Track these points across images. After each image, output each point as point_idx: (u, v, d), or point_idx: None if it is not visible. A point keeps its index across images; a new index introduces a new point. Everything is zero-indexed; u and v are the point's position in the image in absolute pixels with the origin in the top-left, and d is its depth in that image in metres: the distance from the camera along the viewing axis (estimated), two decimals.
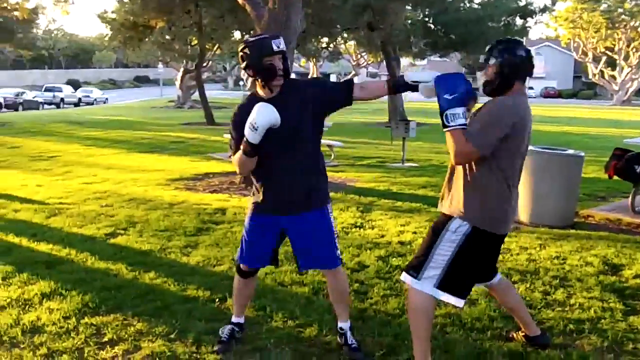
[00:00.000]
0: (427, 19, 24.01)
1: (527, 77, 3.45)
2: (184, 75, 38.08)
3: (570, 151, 7.68)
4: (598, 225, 7.46)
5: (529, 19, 25.54)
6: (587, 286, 5.05)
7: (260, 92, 3.61)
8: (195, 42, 23.96)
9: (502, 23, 24.42)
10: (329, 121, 24.23)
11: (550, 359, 3.74)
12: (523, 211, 7.44)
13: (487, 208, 3.33)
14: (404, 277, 3.48)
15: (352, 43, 38.17)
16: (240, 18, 14.96)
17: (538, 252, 6.05)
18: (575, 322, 4.30)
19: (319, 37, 19.94)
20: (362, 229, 6.86)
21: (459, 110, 3.20)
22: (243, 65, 3.57)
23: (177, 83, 41.33)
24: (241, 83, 65.46)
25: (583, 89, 75.46)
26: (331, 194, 8.66)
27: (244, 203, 8.22)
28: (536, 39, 79.33)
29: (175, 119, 28.69)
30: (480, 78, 3.46)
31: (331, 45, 27.42)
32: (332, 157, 13.16)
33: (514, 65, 3.36)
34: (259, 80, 3.53)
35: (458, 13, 22.53)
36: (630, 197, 7.93)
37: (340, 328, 3.91)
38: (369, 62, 49.81)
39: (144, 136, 19.64)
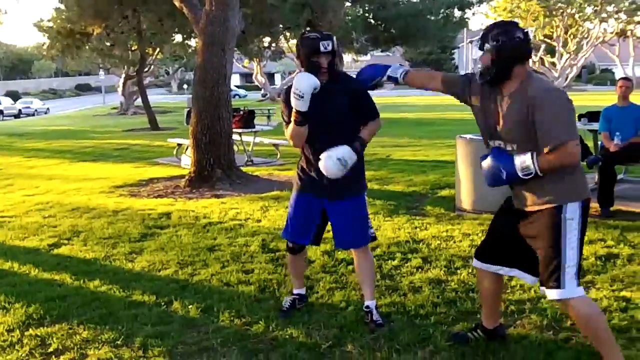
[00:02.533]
0: (367, 15, 24.19)
1: (527, 60, 3.27)
2: (126, 82, 37.51)
3: None
4: None
5: (467, 10, 26.04)
6: None
7: None
8: (136, 47, 23.62)
9: (441, 16, 24.76)
10: (274, 120, 24.27)
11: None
12: (466, 199, 7.58)
13: (577, 177, 3.23)
14: (549, 293, 3.20)
15: (295, 42, 38.21)
16: (179, 21, 14.84)
17: (480, 237, 6.13)
18: (516, 303, 4.42)
19: (261, 36, 19.89)
20: None
21: (518, 164, 3.14)
22: (296, 56, 4.08)
23: (119, 89, 40.70)
24: (185, 87, 64.87)
25: None
26: (277, 193, 8.76)
27: (189, 206, 8.18)
28: (477, 29, 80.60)
29: (119, 125, 28.25)
30: (477, 67, 3.37)
31: (273, 44, 27.41)
32: (278, 156, 13.16)
33: (511, 49, 3.16)
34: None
35: (397, 8, 22.78)
36: None
37: (367, 306, 4.15)
38: None
39: (86, 145, 19.30)
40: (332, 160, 3.77)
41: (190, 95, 10.06)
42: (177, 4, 10.60)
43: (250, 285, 4.97)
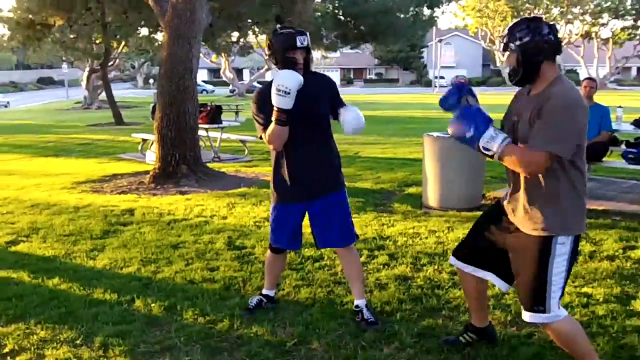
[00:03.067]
0: (336, 11, 24.13)
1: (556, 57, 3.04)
2: (90, 75, 36.93)
3: None
4: None
5: (436, 9, 26.10)
6: None
7: None
8: (100, 40, 23.22)
9: (410, 14, 24.80)
10: (242, 116, 24.11)
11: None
12: (432, 196, 7.59)
13: (580, 209, 3.06)
14: (531, 318, 3.10)
15: (264, 37, 37.98)
16: (145, 14, 14.60)
17: (446, 234, 6.19)
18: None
19: (229, 31, 19.70)
20: None
21: (488, 133, 2.94)
22: (268, 53, 3.88)
23: (83, 83, 40.08)
24: (151, 81, 64.15)
25: (492, 76, 77.76)
26: (243, 189, 8.67)
27: (153, 203, 8.05)
28: (445, 28, 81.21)
29: (82, 120, 27.84)
30: (504, 68, 3.22)
31: (242, 39, 27.21)
32: (246, 152, 13.06)
33: (539, 47, 2.94)
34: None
35: (367, 4, 22.73)
36: None
37: (357, 306, 4.09)
38: None
39: (48, 140, 18.94)
40: (355, 113, 3.84)
41: (157, 90, 9.91)
42: None
43: (215, 283, 4.89)
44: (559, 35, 3.03)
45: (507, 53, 3.02)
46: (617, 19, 57.11)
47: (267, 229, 6.46)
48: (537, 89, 3.03)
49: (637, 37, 57.86)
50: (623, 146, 8.36)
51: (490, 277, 3.43)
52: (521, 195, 3.09)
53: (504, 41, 3.01)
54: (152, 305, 4.43)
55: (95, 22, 18.12)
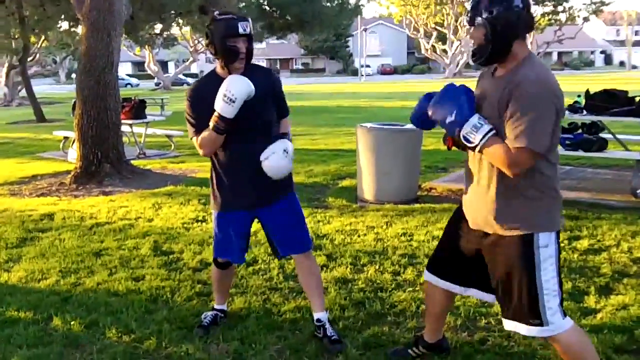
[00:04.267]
0: (261, 1, 23.67)
1: (527, 35, 2.74)
2: (9, 71, 35.25)
3: (409, 126, 7.69)
4: (441, 197, 7.55)
5: None
6: None
7: (220, 71, 3.48)
8: (18, 35, 22.07)
9: (336, 3, 24.57)
10: (168, 109, 23.45)
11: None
12: (368, 189, 7.37)
13: (557, 204, 2.80)
14: (529, 331, 2.76)
15: (188, 29, 37.16)
16: (63, 6, 13.88)
17: (385, 230, 5.97)
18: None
19: (151, 23, 19.03)
20: (204, 223, 6.46)
21: (472, 121, 2.65)
22: (206, 42, 3.50)
23: (2, 80, 38.34)
24: (74, 76, 62.04)
25: (417, 64, 78.77)
26: (170, 188, 8.27)
27: (74, 205, 7.56)
28: (370, 17, 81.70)
29: (2, 118, 26.52)
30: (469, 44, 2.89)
31: (165, 31, 26.44)
32: (172, 147, 12.58)
33: (509, 21, 2.61)
34: (220, 60, 3.42)
35: None
36: None
37: (318, 320, 3.68)
38: (207, 48, 48.84)
39: None
40: (279, 155, 3.36)
41: (76, 86, 9.35)
42: None
43: (140, 294, 4.51)
44: (530, 7, 2.69)
45: (472, 28, 2.68)
46: (538, 5, 58.50)
47: (196, 231, 6.18)
48: (504, 70, 2.72)
49: (557, 22, 59.52)
50: None
51: (472, 292, 3.10)
52: (490, 189, 2.77)
53: (469, 14, 2.67)
54: (72, 323, 4.03)
55: (11, 16, 17.16)
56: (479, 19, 2.64)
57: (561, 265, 4.69)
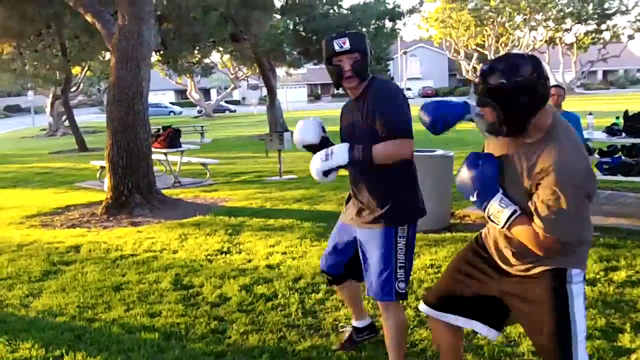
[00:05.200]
0: (297, 27, 23.81)
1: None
2: (54, 102, 36.18)
3: (439, 152, 7.49)
4: (474, 224, 7.29)
5: (397, 21, 25.89)
6: None
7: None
8: (57, 66, 22.53)
9: (372, 27, 24.57)
10: (208, 137, 23.73)
11: None
12: None
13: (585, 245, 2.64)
14: None
15: (228, 56, 37.57)
16: (98, 37, 14.08)
17: (416, 260, 5.75)
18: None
19: (185, 52, 19.25)
20: (228, 255, 6.34)
21: (493, 206, 2.52)
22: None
23: (48, 110, 39.31)
24: None
25: (459, 86, 78.13)
26: (198, 218, 8.18)
27: (102, 237, 7.52)
28: (410, 40, 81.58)
29: (46, 147, 27.09)
30: (480, 122, 2.70)
31: (204, 59, 26.76)
32: (207, 175, 12.57)
33: (526, 102, 2.39)
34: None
35: (327, 19, 22.45)
36: None
37: None
38: (248, 75, 49.34)
39: (7, 170, 18.24)
40: (317, 157, 3.24)
41: (106, 116, 9.41)
42: (89, 19, 9.95)
43: (154, 331, 4.38)
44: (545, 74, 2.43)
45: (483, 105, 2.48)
46: (580, 23, 57.75)
47: (219, 263, 6.04)
48: (530, 138, 2.50)
49: (601, 41, 58.56)
50: (596, 155, 8.03)
51: (474, 325, 2.83)
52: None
53: (479, 92, 2.45)
54: None
55: (47, 48, 17.52)
56: (489, 101, 2.44)
57: (595, 299, 4.45)
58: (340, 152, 3.16)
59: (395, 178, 3.28)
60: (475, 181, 2.55)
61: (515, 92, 2.36)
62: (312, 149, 3.41)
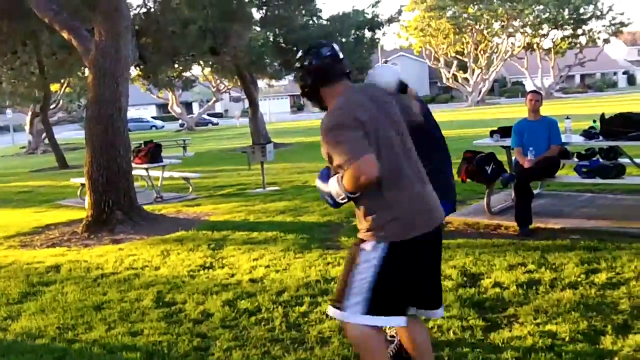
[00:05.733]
0: (277, 39, 23.83)
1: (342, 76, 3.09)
2: (33, 119, 35.94)
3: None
4: (457, 231, 7.30)
5: (377, 30, 25.99)
6: (446, 304, 4.71)
7: None
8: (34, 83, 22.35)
9: (351, 37, 24.64)
10: (190, 150, 23.64)
11: None
12: None
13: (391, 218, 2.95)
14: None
15: (209, 69, 37.47)
16: (76, 54, 14.00)
17: None
18: (434, 347, 3.94)
19: (164, 66, 19.17)
20: (211, 270, 6.28)
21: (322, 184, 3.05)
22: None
23: (27, 128, 39.00)
24: None
25: (440, 93, 78.51)
26: (181, 233, 8.11)
27: (82, 256, 7.44)
28: (391, 49, 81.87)
29: (25, 166, 26.85)
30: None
31: (185, 73, 26.69)
32: (190, 190, 12.49)
33: (312, 71, 3.09)
34: None
35: (307, 30, 22.49)
36: (485, 199, 7.86)
37: None
38: (230, 87, 49.24)
39: None
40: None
41: (85, 133, 9.32)
42: (65, 36, 9.87)
43: (136, 350, 4.32)
44: (335, 56, 3.12)
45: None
46: (557, 29, 58.32)
47: (201, 279, 5.99)
48: None
49: (578, 45, 59.15)
50: (575, 158, 8.07)
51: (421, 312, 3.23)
52: None
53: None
54: None
55: (25, 66, 17.38)
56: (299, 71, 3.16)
57: (577, 302, 4.45)
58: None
59: None
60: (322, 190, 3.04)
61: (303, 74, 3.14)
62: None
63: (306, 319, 4.65)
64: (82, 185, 12.82)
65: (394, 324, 3.12)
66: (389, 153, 2.93)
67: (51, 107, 32.52)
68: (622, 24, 58.09)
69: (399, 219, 2.93)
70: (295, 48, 22.63)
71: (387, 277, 2.94)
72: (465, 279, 5.33)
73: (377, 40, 26.79)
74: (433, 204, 3.07)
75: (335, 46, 3.13)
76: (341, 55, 3.12)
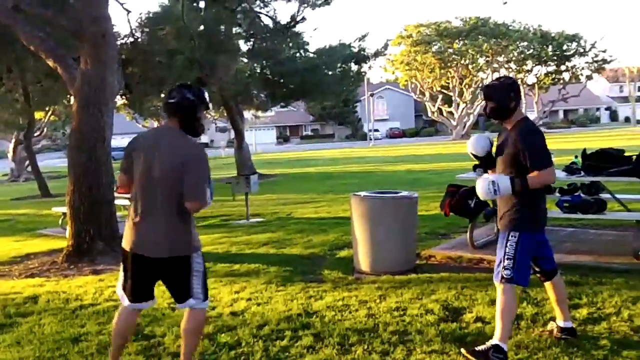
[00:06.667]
0: (264, 71, 23.96)
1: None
2: (16, 147, 35.69)
3: (404, 193, 7.50)
4: (440, 265, 7.29)
5: (363, 64, 26.21)
6: (427, 339, 4.71)
7: None
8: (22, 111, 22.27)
9: (337, 70, 24.82)
10: None
11: None
12: (364, 260, 7.12)
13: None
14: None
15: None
16: (62, 81, 14.00)
17: (378, 304, 5.69)
18: None
19: (150, 96, 19.19)
20: None
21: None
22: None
23: (10, 155, 38.73)
24: None
25: (425, 126, 79.12)
26: None
27: (61, 286, 7.34)
28: (377, 82, 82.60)
29: (7, 194, 26.61)
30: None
31: None
32: None
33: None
34: None
35: (294, 63, 22.64)
36: (468, 233, 7.86)
37: None
38: (216, 117, 49.27)
39: None
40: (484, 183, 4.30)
41: (68, 162, 9.26)
42: (51, 64, 9.86)
43: None
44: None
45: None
46: (541, 65, 59.18)
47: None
48: None
49: (561, 81, 59.98)
50: (557, 193, 8.11)
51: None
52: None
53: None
54: None
55: (9, 93, 17.32)
56: None
57: (559, 338, 4.44)
58: (505, 186, 4.17)
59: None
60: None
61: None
62: (478, 159, 4.60)
63: (287, 354, 4.60)
64: (64, 214, 12.71)
65: None
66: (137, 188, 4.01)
67: (35, 134, 32.33)
68: (605, 61, 59.07)
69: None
70: (282, 80, 22.81)
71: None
72: (447, 313, 5.30)
73: (364, 73, 27.01)
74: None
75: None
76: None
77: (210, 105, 4.23)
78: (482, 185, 4.23)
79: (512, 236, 4.24)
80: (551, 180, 4.29)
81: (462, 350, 4.28)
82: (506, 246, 4.24)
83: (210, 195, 3.84)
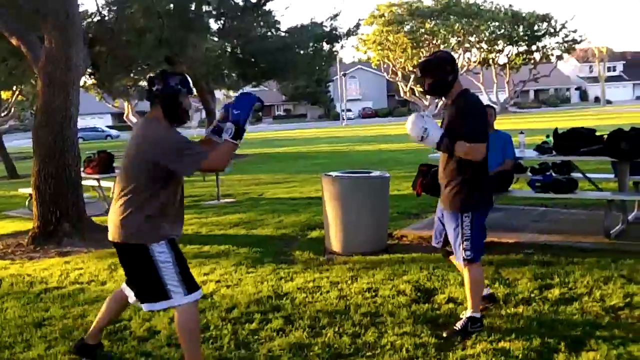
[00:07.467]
0: (235, 50, 23.65)
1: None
2: None
3: (376, 173, 7.43)
4: (411, 245, 7.26)
5: (335, 43, 26.00)
6: (399, 320, 4.66)
7: None
8: None
9: (309, 50, 24.60)
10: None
11: None
12: (335, 241, 7.06)
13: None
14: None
15: None
16: (27, 61, 13.67)
17: (349, 286, 5.63)
18: None
19: (119, 75, 18.85)
20: None
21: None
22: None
23: None
24: None
25: (397, 106, 79.15)
26: None
27: (26, 269, 7.17)
28: (349, 62, 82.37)
29: None
30: None
31: (140, 82, 26.28)
32: None
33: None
34: None
35: (264, 42, 22.37)
36: None
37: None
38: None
39: None
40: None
41: (32, 142, 9.02)
42: (14, 42, 9.57)
43: None
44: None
45: None
46: (512, 45, 59.47)
47: None
48: None
49: (532, 61, 60.36)
50: (529, 173, 8.12)
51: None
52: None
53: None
54: None
55: None
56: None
57: (531, 319, 4.42)
58: (433, 138, 4.26)
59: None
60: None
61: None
62: None
63: (256, 337, 4.52)
64: (31, 195, 12.47)
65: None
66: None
67: (2, 114, 31.72)
68: (575, 41, 59.58)
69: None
70: (253, 60, 22.53)
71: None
72: (419, 294, 5.26)
73: (336, 53, 26.83)
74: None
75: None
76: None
77: (194, 91, 4.14)
78: (415, 123, 4.26)
79: (465, 217, 4.27)
80: (478, 157, 4.21)
81: (443, 334, 4.27)
82: (462, 227, 4.28)
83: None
